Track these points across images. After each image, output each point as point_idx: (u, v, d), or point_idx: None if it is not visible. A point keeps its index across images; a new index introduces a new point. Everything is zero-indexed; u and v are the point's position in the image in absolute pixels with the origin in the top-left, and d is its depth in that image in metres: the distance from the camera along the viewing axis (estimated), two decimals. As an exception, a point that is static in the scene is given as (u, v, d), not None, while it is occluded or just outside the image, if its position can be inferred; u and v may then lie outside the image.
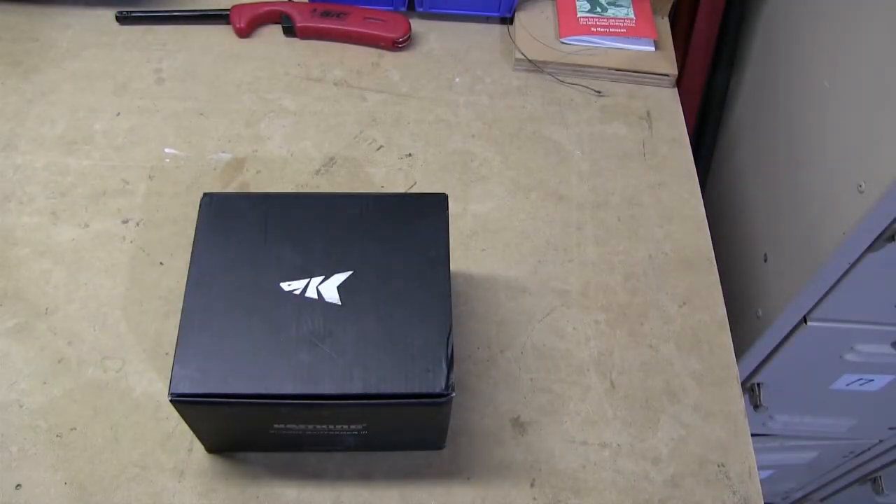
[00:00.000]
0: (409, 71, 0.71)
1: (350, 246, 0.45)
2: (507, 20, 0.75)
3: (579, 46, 0.72)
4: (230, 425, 0.44)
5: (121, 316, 0.54)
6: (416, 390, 0.40)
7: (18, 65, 0.68)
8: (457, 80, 0.71)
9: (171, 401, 0.40)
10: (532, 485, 0.49)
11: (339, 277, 0.44)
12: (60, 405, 0.50)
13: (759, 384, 0.77)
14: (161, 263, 0.57)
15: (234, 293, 0.43)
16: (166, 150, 0.63)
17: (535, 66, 0.71)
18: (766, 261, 0.70)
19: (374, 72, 0.71)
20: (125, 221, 0.59)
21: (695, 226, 0.62)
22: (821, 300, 0.62)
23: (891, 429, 0.88)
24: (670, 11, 0.76)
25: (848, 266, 0.58)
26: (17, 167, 0.61)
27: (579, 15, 0.73)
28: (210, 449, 0.48)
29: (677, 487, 0.49)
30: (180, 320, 0.42)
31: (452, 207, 0.48)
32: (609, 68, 0.71)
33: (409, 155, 0.65)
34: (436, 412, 0.43)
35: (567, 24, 0.72)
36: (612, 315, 0.56)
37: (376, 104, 0.68)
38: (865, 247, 0.56)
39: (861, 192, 0.53)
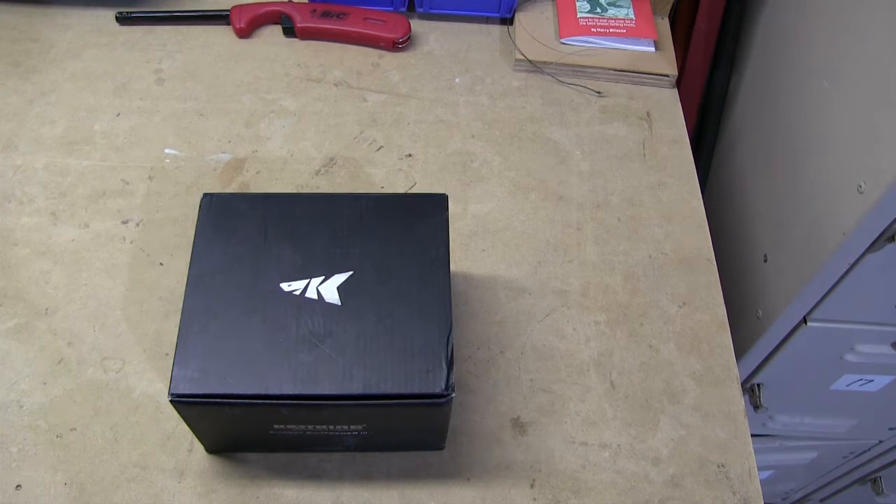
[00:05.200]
0: (409, 71, 0.71)
1: (350, 246, 0.45)
2: (507, 20, 0.75)
3: (579, 47, 0.72)
4: (230, 426, 0.44)
5: (121, 316, 0.54)
6: (416, 390, 0.40)
7: (18, 65, 0.68)
8: (457, 80, 0.71)
9: (170, 401, 0.40)
10: (532, 485, 0.49)
11: (339, 278, 0.44)
12: (60, 405, 0.50)
13: (759, 384, 0.77)
14: (161, 264, 0.57)
15: (234, 293, 0.43)
16: (166, 150, 0.63)
17: (535, 67, 0.71)
18: (766, 261, 0.70)
19: (374, 72, 0.71)
20: (125, 222, 0.59)
21: (695, 226, 0.62)
22: (821, 300, 0.62)
23: (891, 429, 0.88)
24: (670, 12, 0.76)
25: (848, 266, 0.58)
26: (17, 167, 0.61)
27: (579, 15, 0.73)
28: (210, 449, 0.48)
29: (677, 488, 0.49)
30: (180, 320, 0.42)
31: (452, 208, 0.48)
32: (609, 69, 0.71)
33: (409, 155, 0.65)
34: (436, 412, 0.43)
35: (567, 24, 0.72)
36: (612, 315, 0.56)
37: (376, 104, 0.68)
38: (865, 247, 0.56)
39: (861, 193, 0.53)
